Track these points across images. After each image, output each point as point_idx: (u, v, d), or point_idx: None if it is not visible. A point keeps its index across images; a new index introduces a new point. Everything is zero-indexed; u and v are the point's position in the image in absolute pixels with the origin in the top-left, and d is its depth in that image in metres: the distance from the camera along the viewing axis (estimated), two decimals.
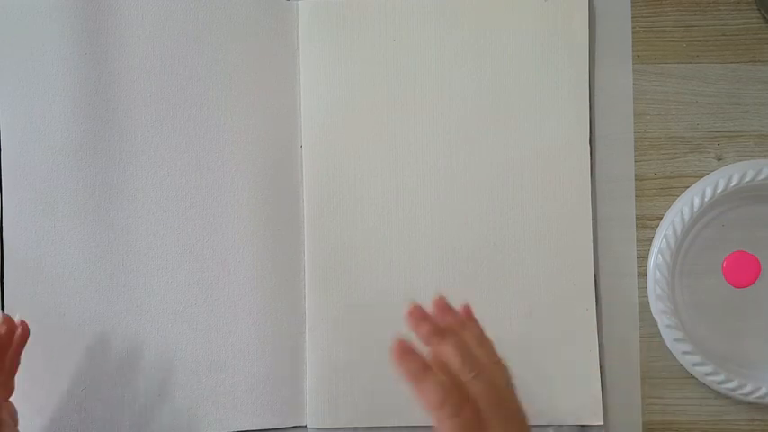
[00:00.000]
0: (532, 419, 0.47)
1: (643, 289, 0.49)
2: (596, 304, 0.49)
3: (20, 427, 0.43)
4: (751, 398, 0.46)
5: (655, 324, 0.47)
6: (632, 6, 0.50)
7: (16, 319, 0.44)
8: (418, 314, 0.39)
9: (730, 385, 0.46)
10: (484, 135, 0.49)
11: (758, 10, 0.50)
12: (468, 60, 0.49)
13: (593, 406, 0.48)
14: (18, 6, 0.49)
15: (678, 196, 0.49)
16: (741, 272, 0.47)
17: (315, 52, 0.49)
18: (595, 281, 0.49)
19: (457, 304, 0.48)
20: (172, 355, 0.48)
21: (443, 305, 0.41)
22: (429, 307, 0.41)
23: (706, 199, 0.47)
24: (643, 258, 0.49)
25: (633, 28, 0.50)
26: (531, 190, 0.49)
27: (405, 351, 0.38)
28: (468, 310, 0.42)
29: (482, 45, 0.49)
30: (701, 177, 0.49)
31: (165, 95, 0.49)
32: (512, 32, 0.49)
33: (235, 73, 0.49)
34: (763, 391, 0.46)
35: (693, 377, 0.48)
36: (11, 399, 0.43)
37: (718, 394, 0.48)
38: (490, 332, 0.48)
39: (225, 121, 0.49)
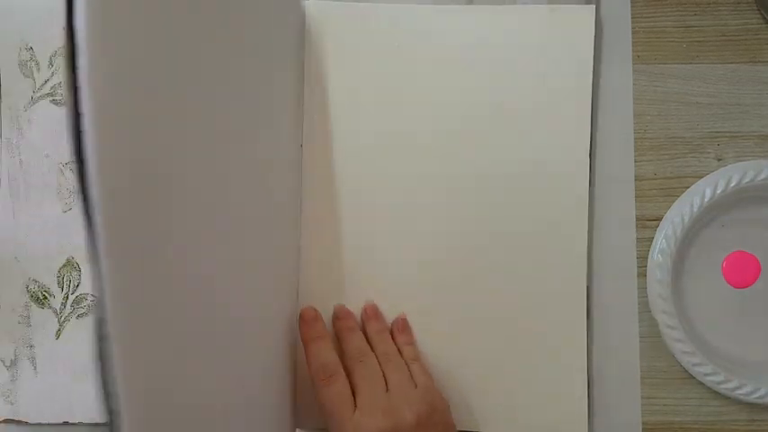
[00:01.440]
0: (524, 424, 0.48)
1: (643, 289, 0.49)
2: (596, 305, 0.49)
3: None
4: (751, 398, 0.46)
5: (655, 324, 0.47)
6: (632, 7, 0.50)
7: None
8: (339, 313, 0.48)
9: (730, 385, 0.46)
10: (484, 136, 0.49)
11: (758, 10, 0.50)
12: (470, 64, 0.49)
13: (578, 413, 0.47)
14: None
15: (678, 196, 0.49)
16: (741, 272, 0.47)
17: (317, 54, 0.49)
18: (595, 281, 0.49)
19: (456, 305, 0.48)
20: None
21: (373, 312, 0.48)
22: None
23: (706, 199, 0.47)
24: (643, 258, 0.49)
25: (633, 28, 0.50)
26: (531, 190, 0.49)
27: (307, 319, 0.47)
28: (402, 322, 0.48)
29: (484, 49, 0.49)
30: (701, 177, 0.49)
31: None
32: (515, 37, 0.49)
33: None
34: (763, 391, 0.46)
35: (693, 377, 0.48)
36: None
37: (718, 394, 0.48)
38: (488, 332, 0.48)
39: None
